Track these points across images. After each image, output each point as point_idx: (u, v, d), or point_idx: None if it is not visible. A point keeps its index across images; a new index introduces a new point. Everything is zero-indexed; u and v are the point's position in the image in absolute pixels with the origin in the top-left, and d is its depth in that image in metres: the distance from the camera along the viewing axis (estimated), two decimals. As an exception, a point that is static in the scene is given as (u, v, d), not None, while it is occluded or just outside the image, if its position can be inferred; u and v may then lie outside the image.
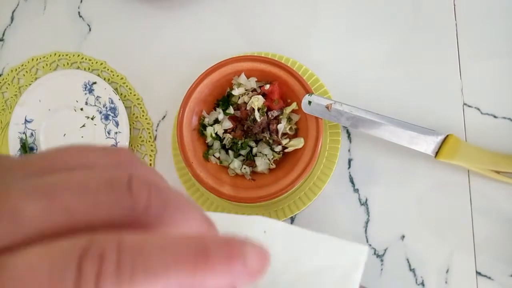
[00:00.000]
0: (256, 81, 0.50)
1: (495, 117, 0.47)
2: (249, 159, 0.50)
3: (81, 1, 0.60)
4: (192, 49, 0.56)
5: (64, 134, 0.55)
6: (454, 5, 0.50)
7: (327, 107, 0.47)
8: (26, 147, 0.56)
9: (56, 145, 0.57)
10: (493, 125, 0.47)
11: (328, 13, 0.54)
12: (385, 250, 0.47)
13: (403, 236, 0.47)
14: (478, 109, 0.48)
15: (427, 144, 0.45)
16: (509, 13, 0.49)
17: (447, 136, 0.44)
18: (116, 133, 0.53)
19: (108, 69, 0.57)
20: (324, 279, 0.23)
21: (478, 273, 0.45)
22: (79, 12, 0.60)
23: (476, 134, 0.47)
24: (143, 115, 0.56)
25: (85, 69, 0.58)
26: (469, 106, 0.48)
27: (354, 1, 0.53)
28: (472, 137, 0.47)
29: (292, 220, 0.50)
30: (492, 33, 0.49)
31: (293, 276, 0.22)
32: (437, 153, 0.45)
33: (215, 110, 0.51)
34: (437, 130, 0.45)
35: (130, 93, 0.56)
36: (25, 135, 0.56)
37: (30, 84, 0.57)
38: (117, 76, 0.57)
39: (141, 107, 0.56)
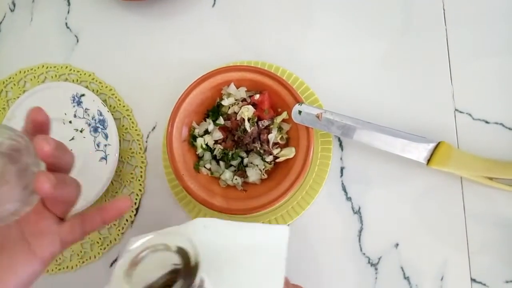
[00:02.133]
0: (246, 91, 0.50)
1: (487, 122, 0.47)
2: (240, 170, 0.49)
3: (68, 12, 0.60)
4: (181, 59, 0.56)
5: (54, 147, 0.55)
6: (444, 10, 0.50)
7: (317, 116, 0.46)
8: (15, 161, 0.55)
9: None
10: (485, 131, 0.46)
11: (320, 21, 0.53)
12: (379, 258, 0.47)
13: (397, 244, 0.47)
14: (470, 114, 0.47)
15: (419, 152, 0.44)
16: (499, 17, 0.48)
17: (439, 143, 0.44)
18: (105, 145, 0.53)
19: (96, 81, 0.57)
20: (258, 253, 0.29)
21: (473, 280, 0.45)
22: (66, 23, 0.60)
23: (468, 140, 0.47)
24: (132, 127, 0.55)
25: (73, 81, 0.57)
26: (461, 112, 0.47)
27: (346, 9, 0.53)
28: (464, 143, 0.47)
29: (285, 229, 0.50)
30: (483, 38, 0.48)
31: (232, 253, 0.27)
32: (429, 161, 0.44)
33: (205, 120, 0.51)
34: (429, 137, 0.45)
35: (119, 104, 0.56)
36: (14, 149, 0.56)
37: (18, 97, 0.56)
38: (106, 87, 0.57)
39: (130, 119, 0.55)
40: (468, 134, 0.47)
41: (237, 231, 0.31)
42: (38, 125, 0.32)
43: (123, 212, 0.35)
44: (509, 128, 0.46)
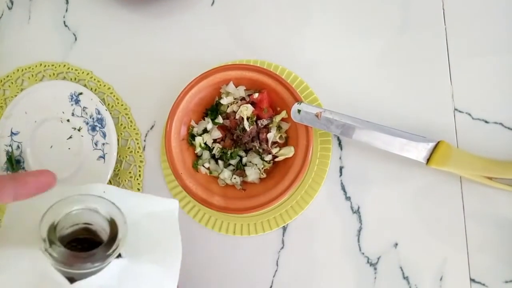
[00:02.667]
0: (244, 90, 0.49)
1: (486, 122, 0.46)
2: (239, 169, 0.49)
3: (66, 10, 0.59)
4: (180, 57, 0.56)
5: (51, 146, 0.54)
6: (443, 9, 0.49)
7: (316, 115, 0.46)
8: (12, 160, 0.55)
9: (43, 157, 0.56)
10: (485, 130, 0.46)
11: (319, 19, 0.53)
12: (378, 258, 0.47)
13: (396, 244, 0.47)
14: (469, 114, 0.47)
15: (418, 151, 0.44)
16: (499, 16, 0.48)
17: (438, 142, 0.44)
18: (103, 144, 0.52)
19: (94, 79, 0.57)
20: (154, 220, 0.32)
21: (472, 280, 0.44)
22: (64, 22, 0.59)
23: (467, 140, 0.46)
24: (131, 125, 0.55)
25: (71, 79, 0.57)
26: (460, 111, 0.47)
27: (345, 7, 0.52)
28: (464, 142, 0.47)
29: (284, 229, 0.50)
30: (483, 37, 0.48)
31: (132, 219, 0.29)
32: (428, 160, 0.44)
33: (204, 119, 0.50)
34: (429, 136, 0.45)
35: (118, 103, 0.56)
36: (11, 147, 0.55)
37: (15, 96, 0.56)
38: (104, 85, 0.56)
39: (128, 117, 0.55)
40: (467, 133, 0.47)
41: (132, 199, 0.32)
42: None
43: (43, 190, 0.29)
44: (509, 128, 0.46)
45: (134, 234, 0.29)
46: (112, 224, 0.27)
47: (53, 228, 0.26)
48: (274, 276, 0.49)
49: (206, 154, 0.50)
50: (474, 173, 0.44)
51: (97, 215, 0.28)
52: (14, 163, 0.55)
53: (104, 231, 0.28)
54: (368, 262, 0.47)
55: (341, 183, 0.49)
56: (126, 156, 0.54)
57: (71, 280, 0.26)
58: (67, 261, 0.25)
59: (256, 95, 0.48)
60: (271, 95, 0.49)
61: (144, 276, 0.29)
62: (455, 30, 0.49)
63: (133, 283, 0.29)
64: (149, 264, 0.30)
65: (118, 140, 0.53)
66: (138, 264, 0.28)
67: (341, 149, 0.50)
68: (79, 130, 0.53)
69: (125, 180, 0.54)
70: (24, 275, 0.27)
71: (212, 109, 0.50)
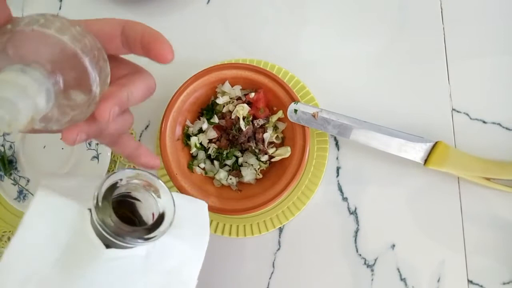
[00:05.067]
0: (240, 89, 0.49)
1: (484, 122, 0.46)
2: (235, 170, 0.48)
3: (60, 8, 0.59)
4: (175, 56, 0.55)
5: (44, 146, 0.54)
6: (441, 9, 0.49)
7: (313, 115, 0.45)
8: (5, 160, 0.54)
9: (36, 157, 0.54)
10: (483, 131, 0.46)
11: (315, 19, 0.53)
12: (376, 259, 0.46)
13: (394, 245, 0.46)
14: (467, 114, 0.47)
15: (416, 152, 0.44)
16: (497, 16, 0.48)
17: (436, 143, 0.44)
18: (97, 144, 0.52)
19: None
20: (187, 208, 0.33)
21: (470, 282, 0.44)
22: (57, 19, 0.58)
23: (465, 140, 0.46)
24: (125, 125, 0.54)
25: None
26: (458, 111, 0.47)
27: (342, 6, 0.52)
28: (462, 142, 0.46)
29: (280, 230, 0.49)
30: (480, 37, 0.48)
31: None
32: (426, 161, 0.44)
33: (199, 119, 0.50)
34: (426, 137, 0.44)
35: (112, 102, 0.55)
36: (4, 147, 0.54)
37: (7, 95, 0.55)
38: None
39: (123, 117, 0.54)
40: (465, 134, 0.46)
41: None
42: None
43: (148, 167, 0.33)
44: (507, 128, 0.45)
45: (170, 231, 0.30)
46: (162, 214, 0.28)
47: (111, 189, 0.26)
48: (270, 278, 0.49)
49: (201, 155, 0.49)
50: (472, 174, 0.43)
51: (151, 198, 0.28)
52: (7, 163, 0.54)
53: (146, 213, 0.29)
54: (365, 263, 0.47)
55: (338, 183, 0.48)
56: (120, 156, 0.54)
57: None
58: (113, 228, 0.25)
59: (252, 95, 0.48)
60: (268, 94, 0.48)
61: (171, 250, 0.30)
62: (453, 30, 0.49)
63: (160, 255, 0.29)
64: (177, 240, 0.31)
65: (112, 140, 0.52)
66: (167, 236, 0.28)
67: (338, 149, 0.49)
68: (72, 129, 0.53)
69: (119, 181, 0.53)
70: (62, 226, 0.28)
71: (207, 109, 0.50)
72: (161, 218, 0.27)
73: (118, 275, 0.27)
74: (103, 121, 0.26)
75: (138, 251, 0.28)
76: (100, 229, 0.25)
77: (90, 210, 0.27)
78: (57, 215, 0.28)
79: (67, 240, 0.27)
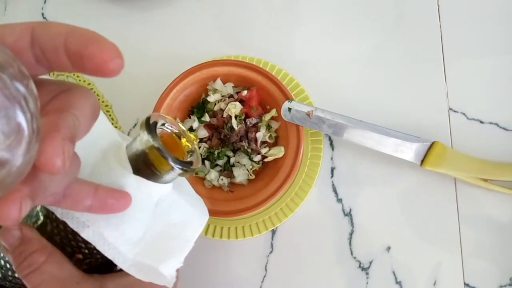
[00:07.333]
0: (233, 87, 0.47)
1: (481, 122, 0.45)
2: (227, 170, 0.47)
3: (45, 2, 0.57)
4: (164, 53, 0.53)
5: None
6: (438, 6, 0.48)
7: (308, 114, 0.44)
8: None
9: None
10: (480, 131, 0.45)
11: (310, 15, 0.51)
12: (371, 262, 0.45)
13: (389, 248, 0.45)
14: (464, 114, 0.46)
15: (412, 152, 0.43)
16: (494, 15, 0.47)
17: (433, 143, 0.43)
18: (83, 143, 0.50)
19: (74, 75, 0.54)
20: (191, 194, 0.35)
21: (466, 285, 0.43)
22: (42, 14, 0.56)
23: (462, 140, 0.45)
24: (113, 123, 0.52)
25: (49, 74, 0.54)
26: (455, 111, 0.46)
27: (337, 3, 0.51)
28: (458, 143, 0.45)
29: (273, 232, 0.48)
30: (478, 36, 0.47)
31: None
32: (422, 161, 0.43)
33: (190, 117, 0.48)
34: (423, 136, 0.43)
35: (99, 100, 0.53)
36: None
37: (-11, 91, 0.53)
38: (84, 81, 0.54)
39: (110, 115, 0.52)
40: (462, 134, 0.46)
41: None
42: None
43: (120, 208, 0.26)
44: (504, 128, 0.45)
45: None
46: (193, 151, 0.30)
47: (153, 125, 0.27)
48: (262, 282, 0.47)
49: (192, 154, 0.48)
50: (469, 175, 0.43)
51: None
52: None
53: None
54: (360, 266, 0.45)
55: (333, 184, 0.47)
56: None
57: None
58: (155, 151, 0.26)
59: (244, 93, 0.46)
60: (261, 92, 0.47)
61: (179, 207, 0.31)
62: (450, 29, 0.48)
63: (168, 208, 0.30)
64: (185, 202, 0.32)
65: (99, 139, 0.51)
66: (177, 194, 0.30)
67: (333, 149, 0.48)
68: (57, 128, 0.51)
69: (106, 181, 0.51)
70: (103, 139, 0.29)
71: (198, 107, 0.48)
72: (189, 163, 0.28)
73: (133, 204, 0.27)
74: (56, 171, 0.16)
75: (154, 191, 0.29)
76: (134, 155, 0.27)
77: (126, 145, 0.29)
78: (101, 130, 0.29)
79: (102, 154, 0.28)
